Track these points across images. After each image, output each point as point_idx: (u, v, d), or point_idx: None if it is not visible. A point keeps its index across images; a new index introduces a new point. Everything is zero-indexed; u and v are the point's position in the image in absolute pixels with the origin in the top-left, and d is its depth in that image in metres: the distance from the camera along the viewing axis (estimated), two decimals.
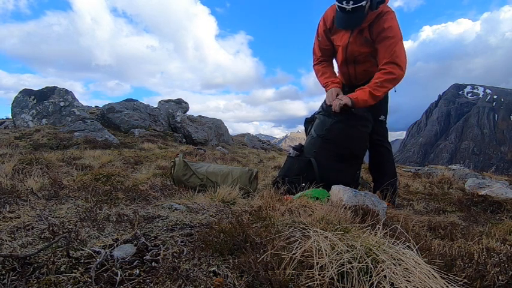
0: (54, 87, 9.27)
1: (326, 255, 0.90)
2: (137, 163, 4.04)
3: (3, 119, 10.03)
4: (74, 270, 0.93)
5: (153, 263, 1.00)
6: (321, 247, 0.93)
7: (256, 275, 0.91)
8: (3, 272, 0.89)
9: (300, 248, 0.99)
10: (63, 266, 0.94)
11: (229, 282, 0.91)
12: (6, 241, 1.14)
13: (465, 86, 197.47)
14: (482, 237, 1.58)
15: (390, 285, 0.81)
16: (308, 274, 0.89)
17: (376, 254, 0.90)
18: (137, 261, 1.01)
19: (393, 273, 0.83)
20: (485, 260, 1.13)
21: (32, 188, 1.96)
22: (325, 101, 2.68)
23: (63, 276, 0.90)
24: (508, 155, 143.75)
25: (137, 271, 0.95)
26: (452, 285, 0.85)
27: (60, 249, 1.05)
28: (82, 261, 0.99)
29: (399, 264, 0.87)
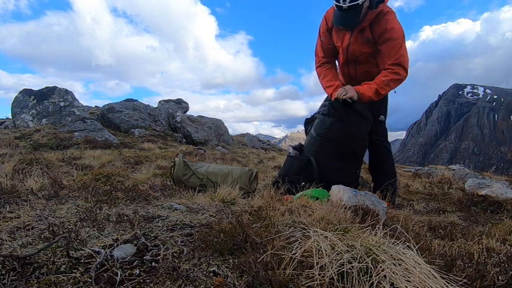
0: (54, 87, 9.26)
1: (326, 255, 0.90)
2: (137, 163, 4.04)
3: (3, 119, 10.03)
4: (74, 270, 0.93)
5: (153, 263, 1.00)
6: (321, 247, 0.93)
7: (256, 275, 0.91)
8: (3, 272, 0.89)
9: (300, 248, 0.99)
10: (63, 266, 0.94)
11: (229, 282, 0.91)
12: (6, 241, 1.14)
13: (465, 86, 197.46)
14: (482, 237, 1.58)
15: (390, 285, 0.81)
16: (308, 274, 0.89)
17: (376, 254, 0.90)
18: (137, 261, 1.01)
19: (393, 273, 0.83)
20: (485, 260, 1.13)
21: (32, 188, 1.96)
22: (327, 98, 2.70)
23: (63, 276, 0.90)
24: (508, 155, 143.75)
25: (137, 271, 0.95)
26: (452, 285, 0.85)
27: (60, 249, 1.05)
28: (82, 261, 0.99)
29: (399, 264, 0.87)
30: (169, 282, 0.88)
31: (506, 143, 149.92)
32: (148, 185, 2.52)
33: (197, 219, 1.55)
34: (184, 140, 9.92)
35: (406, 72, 2.37)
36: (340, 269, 0.86)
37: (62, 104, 8.75)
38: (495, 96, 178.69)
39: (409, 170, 5.62)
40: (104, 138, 6.89)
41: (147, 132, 8.97)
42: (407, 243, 0.98)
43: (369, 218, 1.51)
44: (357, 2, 2.20)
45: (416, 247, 0.96)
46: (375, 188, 2.75)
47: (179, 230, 1.35)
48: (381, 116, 2.63)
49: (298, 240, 1.06)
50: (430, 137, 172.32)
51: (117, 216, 1.48)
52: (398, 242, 0.99)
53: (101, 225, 1.35)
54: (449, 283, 0.85)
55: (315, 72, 2.87)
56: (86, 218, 1.43)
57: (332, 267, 0.86)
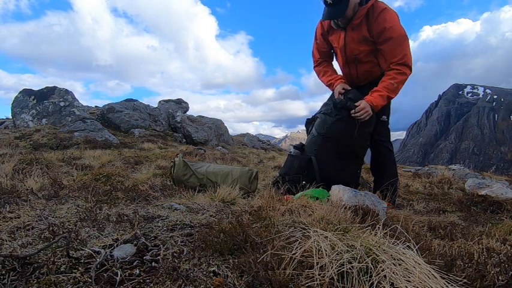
0: (54, 87, 9.26)
1: (326, 255, 0.90)
2: (137, 163, 4.04)
3: (3, 119, 10.03)
4: (74, 270, 0.93)
5: (153, 263, 1.00)
6: (321, 247, 0.93)
7: (256, 275, 0.91)
8: (3, 272, 0.89)
9: (300, 248, 0.99)
10: (63, 266, 0.94)
11: (229, 282, 0.91)
12: (6, 241, 1.14)
13: (465, 86, 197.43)
14: (482, 237, 1.58)
15: (390, 285, 0.81)
16: (308, 274, 0.89)
17: (376, 254, 0.90)
18: (137, 261, 1.01)
19: (393, 273, 0.83)
20: (485, 260, 1.13)
21: (32, 188, 1.96)
22: (331, 96, 2.70)
23: (63, 276, 0.90)
24: (508, 155, 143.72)
25: (137, 271, 0.95)
26: (452, 285, 0.85)
27: (60, 249, 1.05)
28: (82, 261, 0.99)
29: (399, 264, 0.87)
30: (169, 282, 0.88)
31: (506, 143, 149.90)
32: (148, 185, 2.52)
33: (197, 219, 1.55)
34: (184, 140, 9.92)
35: (411, 70, 2.37)
36: (340, 269, 0.86)
37: (62, 104, 8.75)
38: (495, 96, 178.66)
39: (409, 170, 5.62)
40: (104, 138, 6.89)
41: (147, 132, 8.98)
42: (407, 243, 0.98)
43: (369, 218, 1.51)
44: None
45: (416, 247, 0.96)
46: (375, 187, 2.75)
47: (179, 230, 1.35)
48: (383, 116, 2.63)
49: (298, 240, 1.06)
50: (430, 137, 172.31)
51: (117, 216, 1.48)
52: (398, 242, 0.99)
53: (101, 225, 1.35)
54: (449, 283, 0.85)
55: (315, 73, 2.90)
56: (86, 218, 1.43)
57: (332, 267, 0.86)
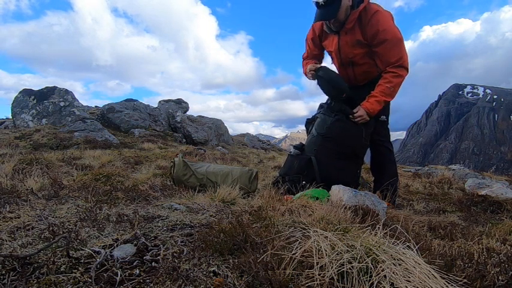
0: (54, 87, 9.26)
1: (326, 255, 0.90)
2: (137, 163, 4.04)
3: (3, 119, 10.03)
4: (74, 270, 0.93)
5: (153, 263, 1.00)
6: (321, 247, 0.93)
7: (256, 275, 0.91)
8: (3, 272, 0.89)
9: (300, 248, 0.99)
10: (63, 266, 0.94)
11: (229, 282, 0.91)
12: (6, 241, 1.14)
13: (465, 86, 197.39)
14: (482, 237, 1.58)
15: (390, 285, 0.81)
16: (308, 274, 0.89)
17: (376, 254, 0.90)
18: (137, 261, 1.01)
19: (393, 273, 0.83)
20: (485, 260, 1.13)
21: (32, 188, 1.96)
22: (327, 99, 2.70)
23: (63, 276, 0.90)
24: (508, 155, 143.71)
25: (137, 271, 0.95)
26: (452, 285, 0.85)
27: (60, 249, 1.05)
28: (82, 261, 0.99)
29: (399, 264, 0.87)
30: (169, 282, 0.88)
31: (506, 143, 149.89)
32: (148, 185, 2.52)
33: (197, 219, 1.55)
34: (184, 140, 9.92)
35: (408, 71, 2.39)
36: (340, 269, 0.86)
37: (62, 104, 8.75)
38: (495, 96, 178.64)
39: (409, 170, 5.62)
40: (104, 138, 6.89)
41: (147, 132, 8.98)
42: (407, 243, 0.98)
43: (369, 218, 1.51)
44: None
45: (416, 247, 0.96)
46: (375, 187, 2.75)
47: (179, 230, 1.35)
48: (382, 116, 2.63)
49: (298, 240, 1.05)
50: (430, 137, 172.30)
51: (117, 216, 1.48)
52: (398, 242, 0.99)
53: (101, 225, 1.35)
54: (449, 283, 0.85)
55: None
56: (86, 218, 1.43)
57: (332, 267, 0.86)
